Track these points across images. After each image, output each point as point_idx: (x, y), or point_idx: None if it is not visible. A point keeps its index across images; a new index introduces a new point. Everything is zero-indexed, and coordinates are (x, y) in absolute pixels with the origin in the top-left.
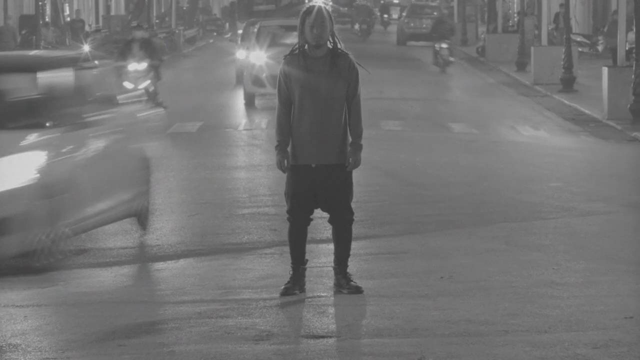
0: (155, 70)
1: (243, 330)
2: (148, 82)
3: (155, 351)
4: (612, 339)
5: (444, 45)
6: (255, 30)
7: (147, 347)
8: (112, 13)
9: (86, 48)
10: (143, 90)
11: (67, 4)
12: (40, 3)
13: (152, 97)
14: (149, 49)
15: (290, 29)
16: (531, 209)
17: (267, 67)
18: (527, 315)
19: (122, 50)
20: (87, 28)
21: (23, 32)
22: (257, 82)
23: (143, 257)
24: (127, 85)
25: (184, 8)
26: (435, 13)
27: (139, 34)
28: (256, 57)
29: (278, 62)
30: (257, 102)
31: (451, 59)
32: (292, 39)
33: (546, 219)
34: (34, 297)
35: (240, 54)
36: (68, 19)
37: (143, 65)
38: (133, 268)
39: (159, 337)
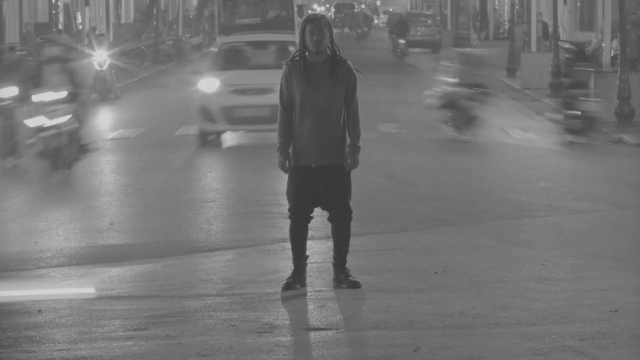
0: (78, 102)
1: (247, 323)
2: (68, 117)
3: (163, 343)
4: (598, 331)
5: (402, 41)
6: (216, 49)
7: (156, 338)
8: (122, 21)
9: None
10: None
11: (79, 13)
12: (53, 12)
13: (73, 139)
14: (69, 73)
15: (260, 45)
16: (521, 208)
17: (220, 98)
18: (517, 308)
19: (31, 74)
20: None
21: (39, 39)
22: (207, 117)
23: (151, 254)
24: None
25: (191, 16)
26: (429, 21)
27: (53, 52)
28: (208, 84)
29: (238, 91)
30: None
31: (407, 51)
32: (262, 59)
33: (535, 217)
34: (48, 292)
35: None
36: (80, 27)
37: (62, 94)
38: (142, 265)
39: (166, 329)
